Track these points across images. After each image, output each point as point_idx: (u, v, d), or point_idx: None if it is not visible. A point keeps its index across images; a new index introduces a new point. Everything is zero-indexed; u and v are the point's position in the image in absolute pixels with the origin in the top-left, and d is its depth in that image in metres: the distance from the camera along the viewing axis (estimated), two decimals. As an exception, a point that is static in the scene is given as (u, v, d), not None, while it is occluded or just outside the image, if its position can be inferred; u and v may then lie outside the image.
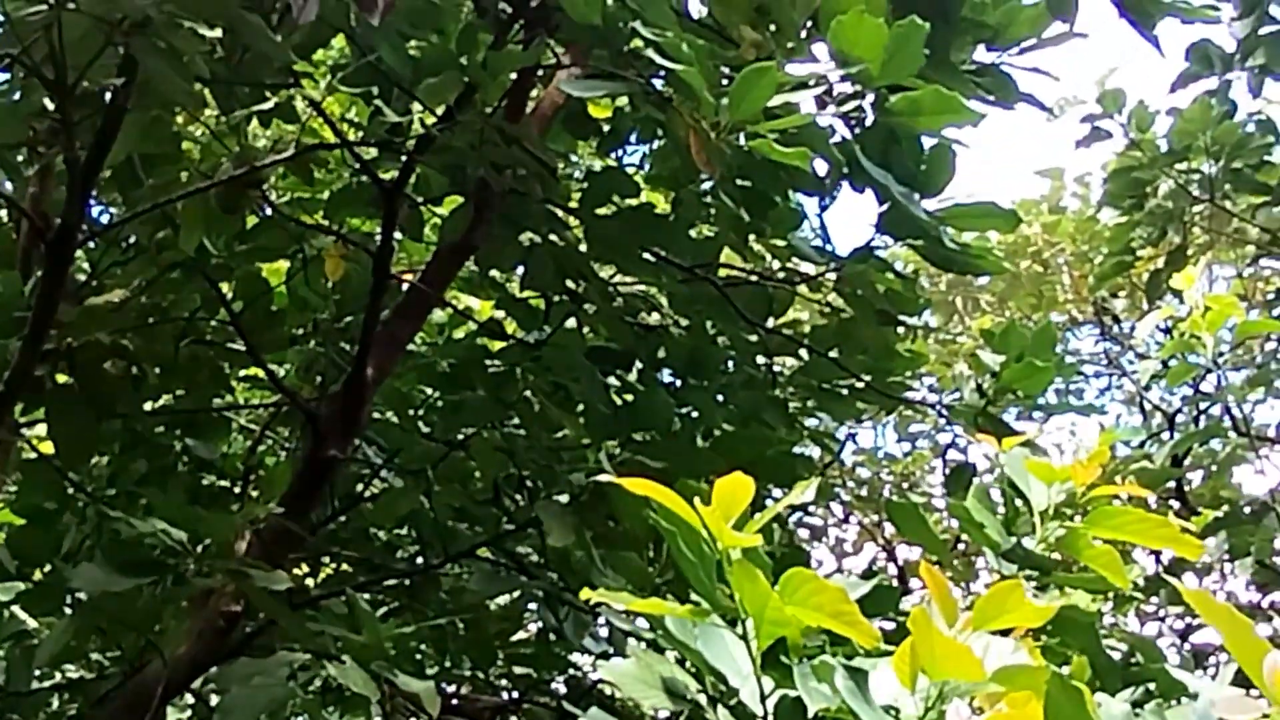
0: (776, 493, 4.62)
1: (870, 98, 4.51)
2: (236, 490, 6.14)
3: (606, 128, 5.90)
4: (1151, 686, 3.10)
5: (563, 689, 6.30)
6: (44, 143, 4.80)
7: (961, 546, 10.75)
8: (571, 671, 6.29)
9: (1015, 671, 2.26)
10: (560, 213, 5.20)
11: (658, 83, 4.40)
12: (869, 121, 4.79)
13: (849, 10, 4.05)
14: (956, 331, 11.50)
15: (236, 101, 4.93)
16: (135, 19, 3.37)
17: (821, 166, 4.98)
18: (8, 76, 4.13)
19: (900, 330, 5.68)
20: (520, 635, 6.43)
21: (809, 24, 4.59)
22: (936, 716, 2.24)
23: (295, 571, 5.65)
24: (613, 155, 6.50)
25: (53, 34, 3.46)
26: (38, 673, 5.97)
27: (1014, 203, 5.85)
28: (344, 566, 6.29)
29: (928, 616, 2.23)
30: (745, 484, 2.40)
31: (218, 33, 3.98)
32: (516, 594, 6.00)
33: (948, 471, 6.78)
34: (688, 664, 2.88)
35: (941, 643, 2.20)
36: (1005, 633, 2.38)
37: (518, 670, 6.25)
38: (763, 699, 2.55)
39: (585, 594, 2.58)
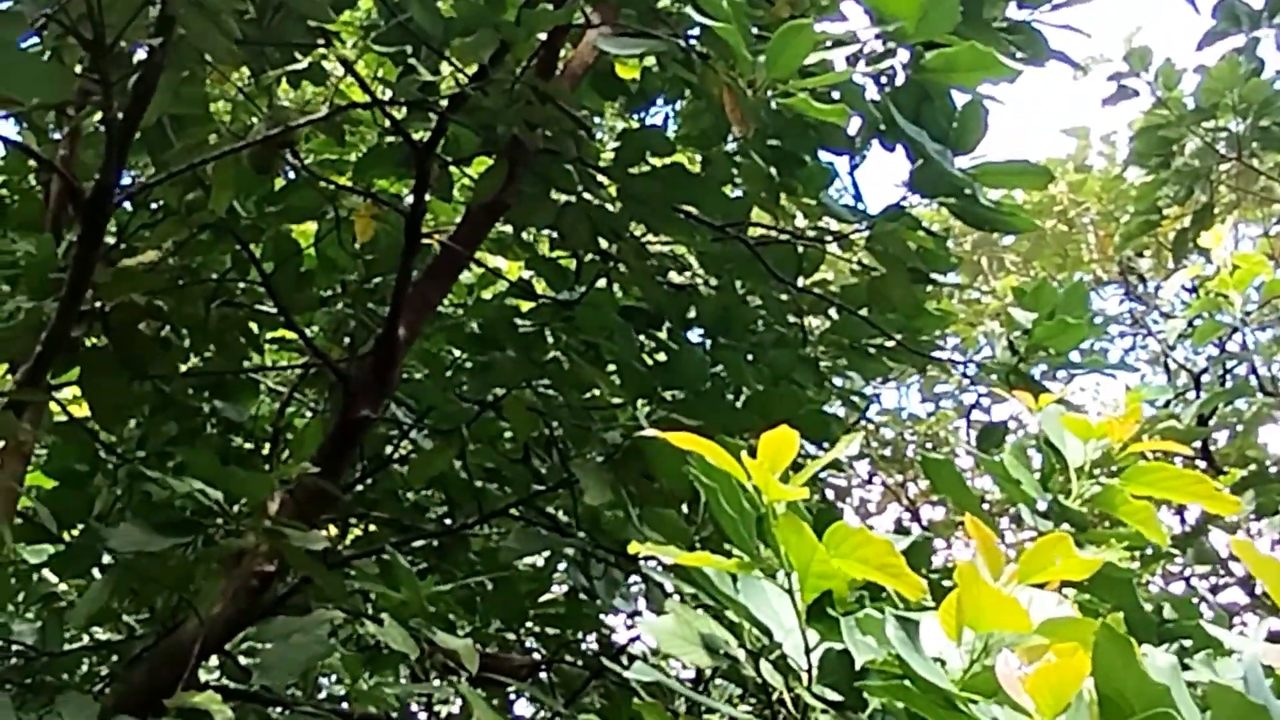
0: (809, 450, 4.64)
1: (903, 55, 4.51)
2: (264, 452, 6.16)
3: (634, 88, 5.90)
4: (1186, 643, 3.11)
5: (593, 648, 6.33)
6: (73, 104, 4.81)
7: (985, 506, 10.74)
8: (602, 631, 6.32)
9: (1061, 623, 2.27)
10: (592, 172, 5.19)
11: (692, 40, 4.39)
12: (899, 79, 4.78)
13: (884, -33, 4.04)
14: (983, 290, 11.48)
15: (267, 62, 4.93)
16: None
17: (852, 125, 4.98)
18: (38, 38, 4.13)
19: (929, 289, 5.67)
20: (548, 595, 6.46)
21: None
22: (982, 669, 2.24)
23: (326, 532, 5.67)
24: (635, 116, 6.49)
25: (90, -7, 3.46)
26: (68, 634, 6.02)
27: (1041, 161, 5.82)
28: (371, 527, 6.31)
29: (975, 569, 2.24)
30: (790, 439, 2.41)
31: (252, -8, 4.00)
32: (546, 554, 6.01)
33: (978, 430, 6.77)
34: (723, 620, 2.90)
35: (988, 595, 2.21)
36: (1039, 587, 2.40)
37: (548, 630, 6.28)
38: (807, 651, 2.57)
39: (633, 548, 2.60)
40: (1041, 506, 3.31)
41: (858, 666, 2.47)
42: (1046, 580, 2.38)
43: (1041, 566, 2.33)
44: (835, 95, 4.53)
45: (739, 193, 5.59)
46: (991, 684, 2.15)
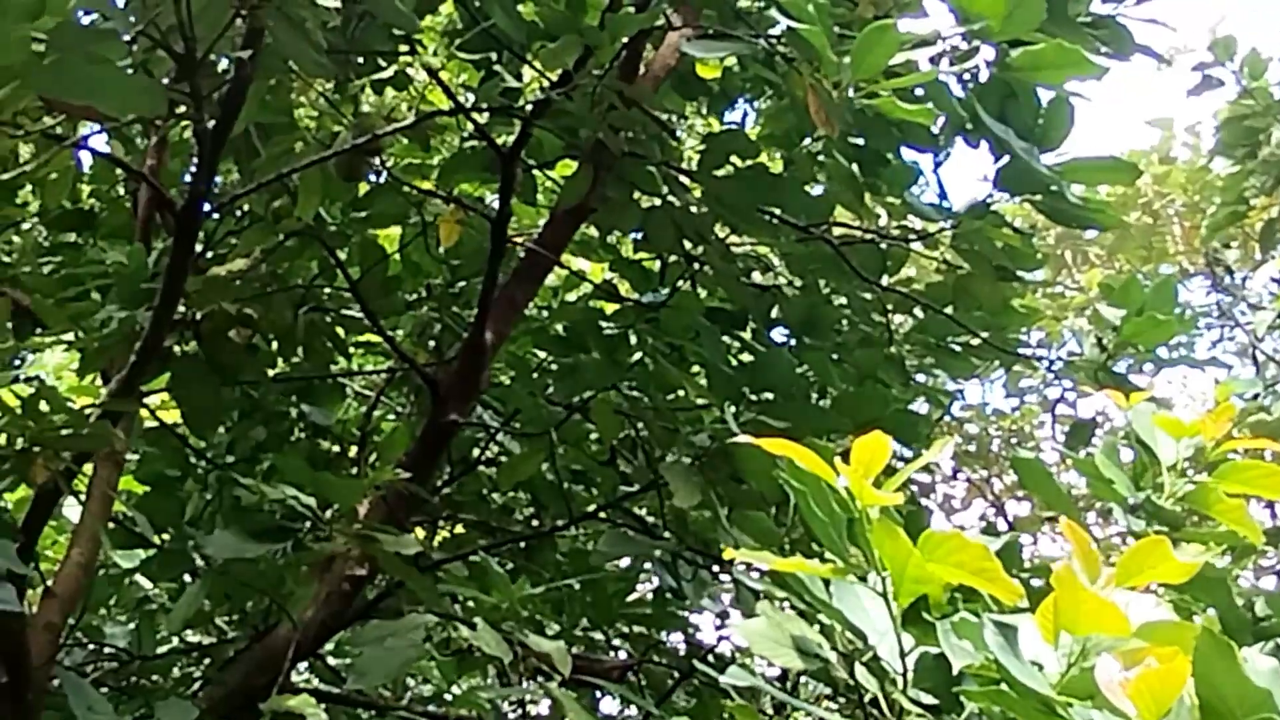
0: (896, 449, 4.63)
1: (988, 53, 4.48)
2: (351, 455, 6.20)
3: (715, 88, 5.90)
4: (1282, 642, 3.09)
5: (681, 649, 6.34)
6: (160, 115, 4.87)
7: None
8: (688, 631, 6.33)
9: (1160, 627, 2.24)
10: (677, 174, 5.20)
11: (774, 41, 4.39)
12: (983, 76, 4.75)
13: (968, -35, 4.02)
14: (1066, 285, 11.40)
15: (351, 70, 4.98)
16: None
17: (935, 122, 4.96)
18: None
19: (1015, 285, 5.64)
20: (635, 595, 6.47)
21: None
22: (1080, 672, 2.23)
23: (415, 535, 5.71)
24: (717, 116, 6.49)
25: (181, 7, 3.49)
26: (161, 637, 6.09)
27: (1124, 154, 5.80)
28: (459, 529, 6.35)
29: (1072, 572, 2.23)
30: (883, 443, 2.41)
31: (336, 2, 4.03)
32: (633, 555, 6.02)
33: (1065, 427, 6.73)
34: (814, 622, 2.90)
35: (1086, 598, 2.20)
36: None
37: (635, 630, 6.29)
38: (903, 655, 2.56)
39: (727, 553, 2.61)
40: (1132, 504, 3.28)
41: (955, 671, 2.47)
42: (1141, 582, 2.36)
43: (1140, 569, 2.30)
44: (919, 94, 4.53)
45: (817, 191, 5.58)
46: (1089, 688, 2.14)
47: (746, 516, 4.12)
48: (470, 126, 5.26)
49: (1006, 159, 4.80)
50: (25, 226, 6.12)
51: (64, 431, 4.22)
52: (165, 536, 5.60)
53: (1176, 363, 5.61)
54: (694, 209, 5.24)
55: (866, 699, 2.77)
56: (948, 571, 2.39)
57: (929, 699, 2.56)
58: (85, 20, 3.66)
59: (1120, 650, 2.19)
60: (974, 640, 2.43)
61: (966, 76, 4.73)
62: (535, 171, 5.52)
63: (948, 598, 2.62)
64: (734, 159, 5.22)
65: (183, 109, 4.18)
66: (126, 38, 3.57)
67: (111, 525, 5.38)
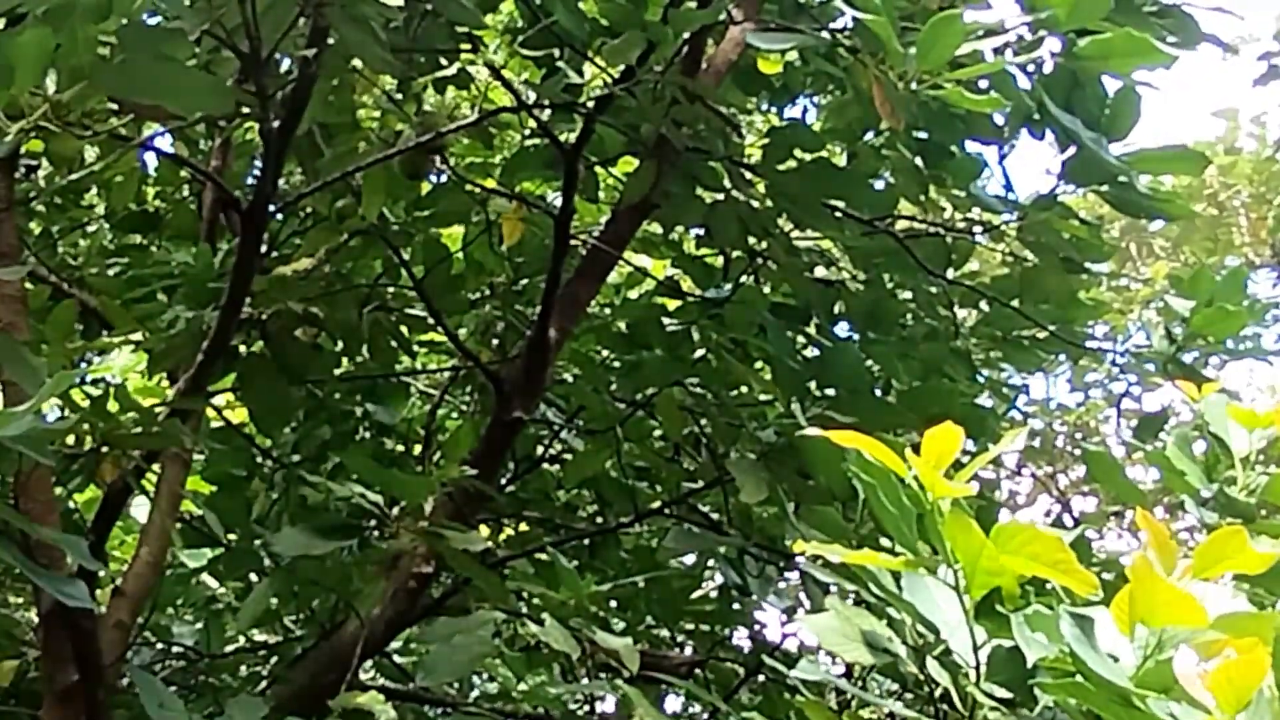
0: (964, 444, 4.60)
1: (1053, 43, 4.45)
2: (415, 453, 6.23)
3: (777, 82, 5.89)
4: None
5: (746, 646, 6.33)
6: (226, 115, 4.89)
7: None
8: (754, 628, 6.32)
9: (1238, 618, 2.22)
10: (741, 169, 5.19)
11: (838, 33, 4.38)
12: (1047, 68, 4.73)
13: (1034, -45, 4.00)
14: (1133, 278, 11.33)
15: (413, 69, 4.99)
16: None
17: (999, 114, 4.93)
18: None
19: (1083, 278, 5.61)
20: (700, 592, 6.47)
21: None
22: (1156, 665, 2.21)
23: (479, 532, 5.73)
24: (778, 111, 6.47)
25: (246, 7, 3.51)
26: (228, 636, 6.14)
27: (1189, 144, 5.77)
28: (523, 527, 6.36)
29: (1149, 563, 2.22)
30: (954, 435, 2.40)
31: (399, 1, 4.04)
32: (698, 552, 6.02)
33: (1135, 420, 6.68)
34: (883, 616, 2.89)
35: (1163, 589, 2.18)
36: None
37: (701, 627, 6.29)
38: (976, 649, 2.55)
39: (797, 546, 2.60)
40: (1205, 497, 3.25)
41: (1029, 664, 2.45)
42: (1216, 574, 2.34)
43: (1217, 560, 2.28)
44: (984, 85, 4.50)
45: (881, 184, 5.56)
46: (1166, 680, 2.13)
47: (814, 511, 4.11)
48: (533, 124, 5.26)
49: (1074, 150, 4.77)
50: (92, 228, 6.18)
51: (133, 430, 4.25)
52: (232, 536, 5.64)
53: (1245, 354, 5.57)
54: (757, 204, 5.23)
55: (937, 693, 2.76)
56: (1021, 564, 2.38)
57: (1002, 692, 2.56)
58: (152, 20, 3.68)
59: (1198, 642, 2.18)
60: (1048, 633, 2.43)
61: (1031, 67, 4.71)
62: (597, 168, 5.52)
63: (1019, 591, 2.61)
64: (797, 153, 5.21)
65: (246, 109, 4.21)
66: (192, 37, 3.59)
67: (178, 525, 5.43)
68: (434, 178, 5.57)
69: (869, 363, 5.38)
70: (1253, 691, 2.01)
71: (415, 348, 6.19)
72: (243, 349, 5.22)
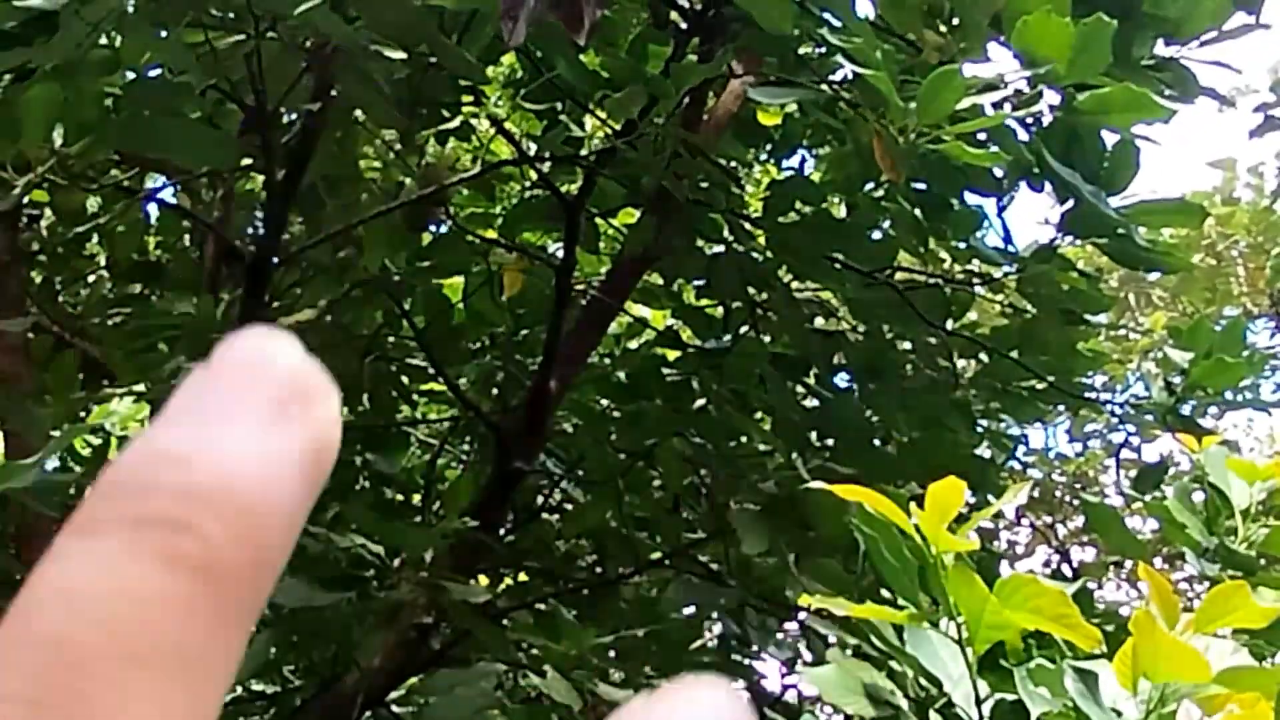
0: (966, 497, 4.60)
1: (1052, 96, 4.48)
2: (415, 503, 6.23)
3: (776, 134, 5.92)
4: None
5: (746, 697, 6.31)
6: (230, 168, 4.93)
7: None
8: (754, 679, 6.30)
9: (1241, 672, 2.23)
10: (741, 222, 5.22)
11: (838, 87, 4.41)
12: (1045, 121, 4.75)
13: (1034, 9, 4.02)
14: (1131, 328, 11.35)
15: (418, 122, 5.02)
16: (339, 43, 3.45)
17: (998, 167, 4.96)
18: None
19: (1082, 329, 5.63)
20: (699, 643, 6.46)
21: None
22: (1159, 719, 2.21)
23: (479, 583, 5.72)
24: (777, 163, 6.50)
25: (252, 61, 3.54)
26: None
27: (1187, 195, 5.80)
28: (523, 577, 6.36)
29: (1151, 617, 2.22)
30: (957, 489, 2.40)
31: (403, 54, 4.07)
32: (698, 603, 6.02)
33: (1134, 471, 6.69)
34: (885, 669, 2.90)
35: (1166, 643, 2.18)
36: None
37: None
38: (978, 703, 2.55)
39: (803, 599, 2.60)
40: (1206, 549, 3.26)
41: (1033, 718, 2.46)
42: (1222, 627, 2.35)
43: (1220, 614, 2.30)
44: (983, 138, 4.53)
45: (879, 235, 5.57)
46: (1169, 734, 2.14)
47: (816, 563, 4.12)
48: (534, 176, 5.29)
49: (1073, 203, 4.79)
50: (93, 279, 6.20)
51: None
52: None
53: (1243, 405, 5.58)
54: (757, 255, 5.25)
55: (939, 747, 2.76)
56: (1025, 617, 2.36)
57: (1005, 747, 2.56)
58: (156, 73, 3.71)
59: (1201, 696, 2.19)
60: (1051, 687, 2.43)
61: (1031, 121, 4.73)
62: (598, 220, 5.55)
63: (1022, 644, 2.62)
64: (798, 205, 5.24)
65: (249, 161, 4.24)
66: (198, 91, 3.62)
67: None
68: (435, 229, 5.60)
69: (869, 413, 5.39)
70: (1255, 746, 2.02)
71: (415, 397, 6.19)
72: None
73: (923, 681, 2.73)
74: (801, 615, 5.04)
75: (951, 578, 2.41)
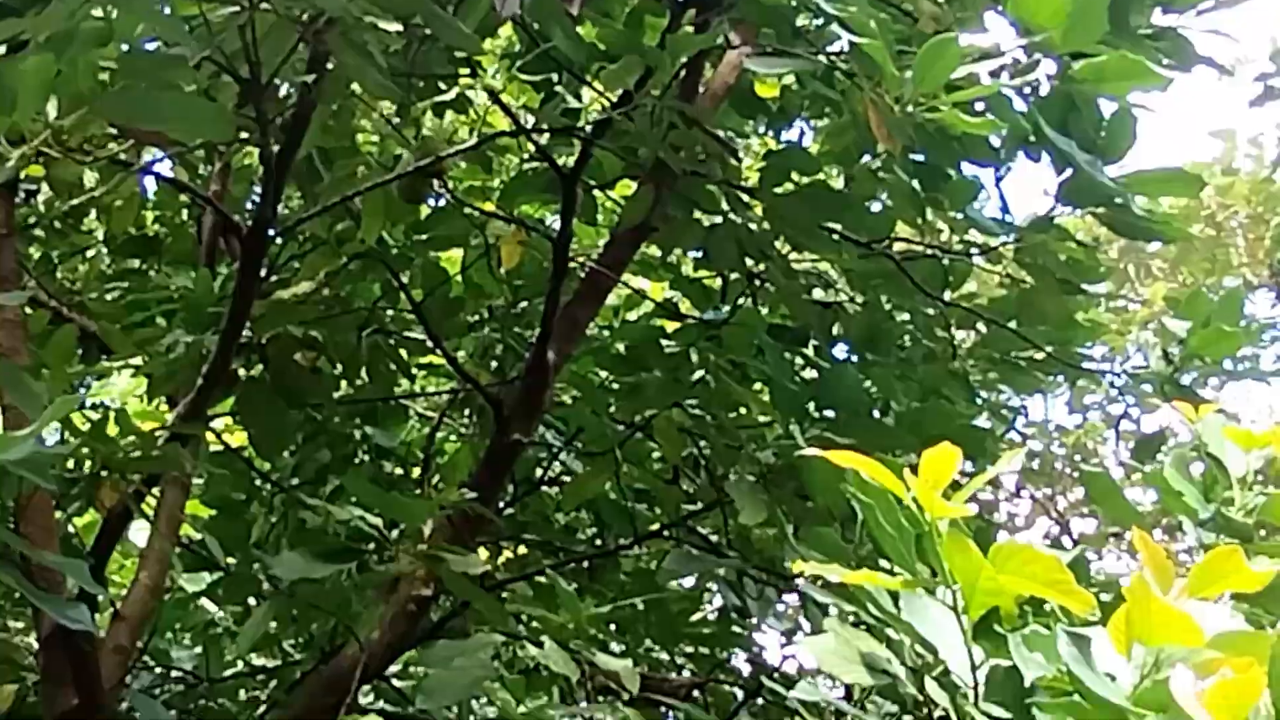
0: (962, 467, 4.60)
1: (1049, 66, 4.47)
2: (414, 477, 6.23)
3: (774, 106, 5.91)
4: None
5: (745, 668, 6.33)
6: (226, 141, 4.92)
7: (1137, 518, 10.58)
8: (753, 650, 6.32)
9: (1235, 637, 2.22)
10: (738, 193, 5.21)
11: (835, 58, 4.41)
12: (1043, 90, 4.75)
13: (1030, -23, 4.01)
14: (1129, 299, 11.34)
15: (414, 94, 5.01)
16: (333, 15, 3.43)
17: (996, 136, 4.95)
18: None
19: (1080, 299, 5.63)
20: (698, 615, 6.47)
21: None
22: (1153, 684, 2.21)
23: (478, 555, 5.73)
24: (774, 134, 6.50)
25: (246, 33, 3.53)
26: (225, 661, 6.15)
27: (1186, 166, 5.80)
28: (522, 550, 6.37)
29: (1145, 583, 2.22)
30: (952, 456, 2.40)
31: (398, 26, 4.05)
32: (697, 574, 6.02)
33: (1132, 442, 6.70)
34: (882, 638, 2.89)
35: (1159, 609, 2.18)
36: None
37: (700, 650, 6.29)
38: (974, 669, 2.55)
39: (796, 566, 2.60)
40: (1203, 517, 3.25)
41: (1026, 683, 2.46)
42: (1213, 593, 2.35)
43: (1213, 580, 2.28)
44: (980, 108, 4.52)
45: (878, 206, 5.57)
46: (1163, 700, 2.11)
47: (813, 532, 4.11)
48: (531, 148, 5.29)
49: (1070, 172, 4.79)
50: (91, 253, 6.20)
51: (133, 454, 4.26)
52: (232, 560, 5.64)
53: (1242, 375, 5.58)
54: (755, 226, 5.24)
55: (936, 714, 2.76)
56: (1020, 583, 2.38)
57: (1001, 712, 2.55)
58: (152, 46, 3.69)
59: (1195, 661, 2.18)
60: (1046, 653, 2.43)
61: (1028, 90, 4.73)
62: (596, 192, 5.54)
63: (1016, 611, 2.62)
64: (795, 176, 5.23)
65: (246, 134, 4.23)
66: (192, 63, 3.60)
67: (178, 549, 5.43)
68: (433, 201, 5.60)
69: (867, 384, 5.39)
70: (1249, 710, 1.99)
71: (414, 371, 6.20)
72: (242, 373, 5.23)
73: (919, 649, 2.71)
74: (800, 585, 5.04)
75: (946, 545, 2.41)
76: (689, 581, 6.27)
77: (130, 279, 5.87)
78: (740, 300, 5.76)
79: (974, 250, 5.60)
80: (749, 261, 5.44)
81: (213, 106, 3.68)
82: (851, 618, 3.04)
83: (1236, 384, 5.52)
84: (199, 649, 6.14)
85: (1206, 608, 2.30)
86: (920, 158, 5.18)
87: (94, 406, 5.44)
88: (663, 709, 5.38)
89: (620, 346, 5.87)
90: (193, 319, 5.01)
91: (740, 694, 5.99)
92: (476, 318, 5.94)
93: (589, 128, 4.94)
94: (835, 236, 5.27)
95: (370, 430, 5.94)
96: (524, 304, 5.87)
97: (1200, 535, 3.22)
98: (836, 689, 4.43)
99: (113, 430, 4.32)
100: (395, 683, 5.98)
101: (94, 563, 4.44)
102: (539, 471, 6.15)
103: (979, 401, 5.97)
